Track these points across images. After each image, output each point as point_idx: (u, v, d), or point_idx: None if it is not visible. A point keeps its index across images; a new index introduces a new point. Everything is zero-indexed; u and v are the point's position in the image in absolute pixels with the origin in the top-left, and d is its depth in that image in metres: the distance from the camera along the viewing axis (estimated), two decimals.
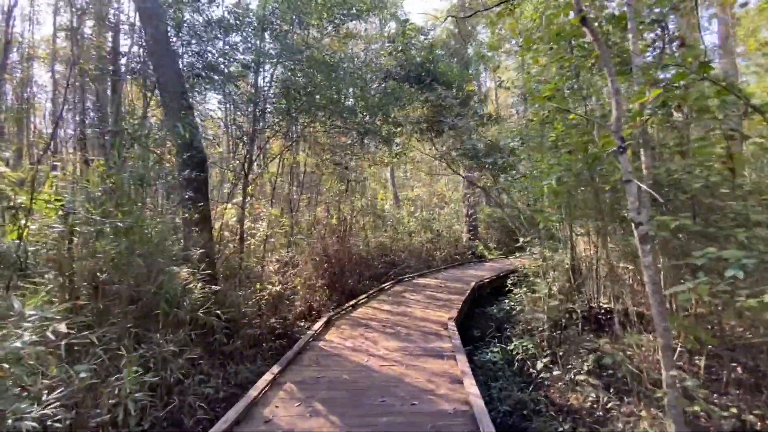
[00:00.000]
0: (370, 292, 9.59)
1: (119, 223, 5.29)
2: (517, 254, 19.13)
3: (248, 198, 8.94)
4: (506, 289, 11.44)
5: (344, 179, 11.06)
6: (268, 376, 4.50)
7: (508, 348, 6.75)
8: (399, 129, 10.99)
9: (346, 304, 8.30)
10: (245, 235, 8.91)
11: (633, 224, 3.20)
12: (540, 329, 7.51)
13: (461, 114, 9.50)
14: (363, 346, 5.71)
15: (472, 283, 10.68)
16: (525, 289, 9.98)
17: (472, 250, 18.63)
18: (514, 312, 9.65)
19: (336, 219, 11.50)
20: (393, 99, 8.37)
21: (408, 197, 18.98)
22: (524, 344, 6.56)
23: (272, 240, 9.24)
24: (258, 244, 9.52)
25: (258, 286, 7.65)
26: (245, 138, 7.63)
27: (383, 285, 10.58)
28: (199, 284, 6.34)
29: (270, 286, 8.09)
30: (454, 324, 6.61)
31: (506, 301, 10.24)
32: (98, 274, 5.02)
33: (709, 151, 4.15)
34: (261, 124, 8.20)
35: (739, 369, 4.54)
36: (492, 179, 9.92)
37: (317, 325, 6.63)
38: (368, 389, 4.28)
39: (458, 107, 9.50)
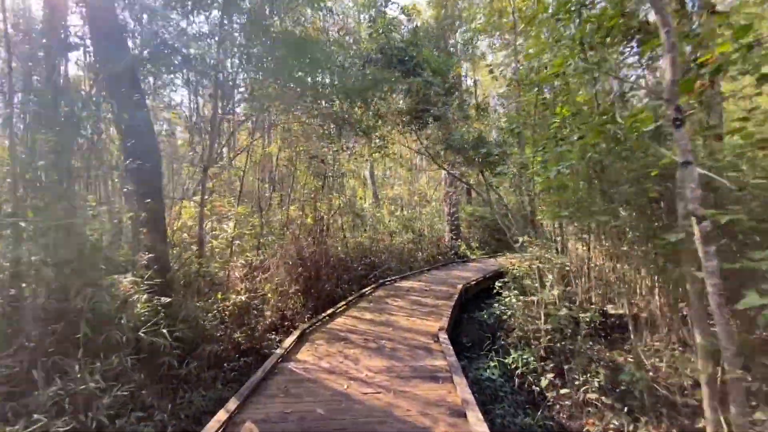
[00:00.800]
0: (350, 298, 8.71)
1: (39, 224, 4.24)
2: (506, 254, 18.62)
3: (209, 194, 7.90)
4: (495, 291, 10.81)
5: (321, 175, 10.12)
6: (222, 415, 3.56)
7: (506, 361, 6.01)
8: (380, 121, 10.14)
9: (323, 314, 7.39)
10: (207, 237, 7.86)
11: (695, 219, 2.46)
12: (538, 338, 6.83)
13: (446, 104, 8.75)
14: (342, 367, 4.82)
15: (459, 286, 9.95)
16: (515, 292, 9.34)
17: (454, 250, 17.99)
18: (505, 317, 8.99)
19: (311, 218, 10.55)
20: (373, 84, 7.51)
21: (388, 196, 18.17)
22: (524, 357, 5.83)
23: (238, 242, 8.21)
24: (223, 247, 8.47)
25: (219, 295, 6.64)
26: (204, 124, 6.60)
27: (364, 290, 9.71)
28: (145, 296, 5.32)
29: (235, 295, 7.09)
30: (446, 335, 5.81)
31: (495, 304, 9.56)
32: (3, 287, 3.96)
33: (750, 132, 3.49)
34: (225, 108, 7.18)
35: None
36: (480, 174, 9.19)
37: (288, 341, 5.69)
38: (348, 429, 3.41)
39: (443, 96, 8.74)
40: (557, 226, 9.92)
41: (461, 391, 3.95)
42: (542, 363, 5.61)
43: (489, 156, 8.25)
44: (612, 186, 3.77)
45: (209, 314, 6.29)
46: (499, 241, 21.70)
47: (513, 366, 5.81)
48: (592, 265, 7.75)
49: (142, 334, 4.60)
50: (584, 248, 8.83)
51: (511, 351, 6.60)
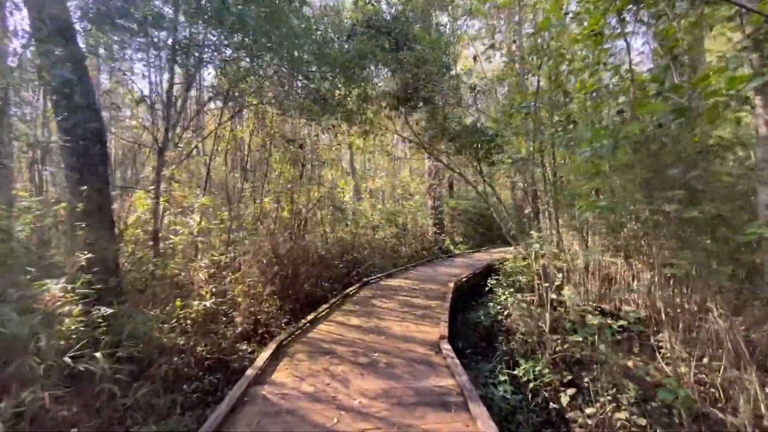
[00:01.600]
0: (332, 300, 7.80)
1: None
2: (489, 248, 18.01)
3: (167, 183, 6.81)
4: (487, 289, 10.14)
5: (298, 163, 9.11)
6: None
7: (516, 373, 5.26)
8: (364, 104, 9.21)
9: (303, 320, 6.47)
10: (165, 234, 6.78)
11: None
12: (543, 343, 6.13)
13: (440, 84, 7.91)
14: (329, 392, 3.94)
15: (451, 285, 9.20)
16: (511, 290, 8.67)
17: (438, 245, 17.31)
18: (501, 317, 8.30)
19: (288, 212, 9.53)
20: (358, 56, 6.57)
21: (369, 188, 17.27)
22: (536, 368, 5.11)
23: (201, 239, 7.16)
24: (186, 245, 7.39)
25: (178, 302, 5.60)
26: (157, 97, 5.51)
27: (347, 290, 8.81)
28: (79, 307, 4.26)
29: (199, 301, 6.06)
30: (449, 346, 5.00)
31: (490, 304, 8.88)
32: None
33: None
34: (188, 83, 6.08)
35: None
36: (476, 164, 8.42)
37: (262, 358, 4.75)
38: None
39: (437, 76, 7.90)
40: (553, 219, 9.32)
41: (483, 425, 3.14)
42: (557, 375, 4.89)
43: (489, 143, 7.48)
44: (672, 167, 3.06)
45: (165, 326, 5.25)
46: (482, 235, 21.23)
47: (524, 378, 5.08)
48: (601, 263, 7.11)
49: (70, 359, 3.57)
50: (582, 244, 8.24)
51: (520, 360, 5.89)
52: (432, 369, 4.44)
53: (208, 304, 5.84)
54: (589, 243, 8.24)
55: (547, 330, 6.35)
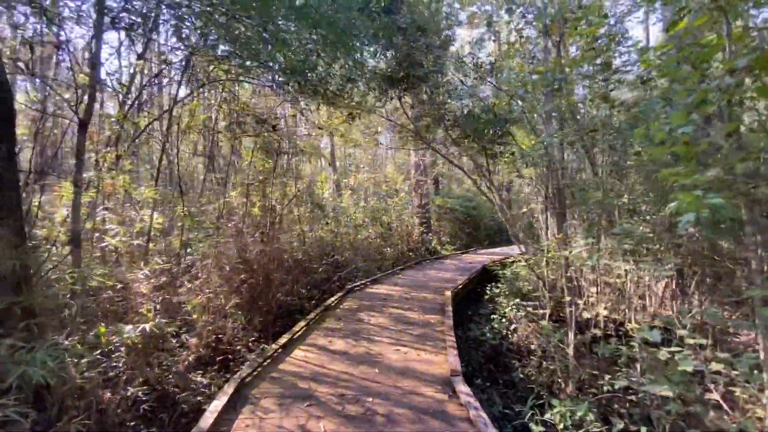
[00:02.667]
0: (311, 315, 6.51)
1: None
2: (489, 249, 17.00)
3: (108, 170, 5.38)
4: (487, 297, 9.07)
5: (272, 151, 7.75)
6: None
7: (548, 417, 4.13)
8: (350, 85, 7.95)
9: (274, 345, 5.16)
10: (88, 234, 5.34)
11: None
12: (566, 373, 5.07)
13: (441, 59, 6.74)
14: None
15: (447, 293, 8.06)
16: (516, 300, 7.62)
17: (425, 245, 16.21)
18: (507, 332, 7.22)
19: (259, 208, 8.16)
20: (345, 17, 5.31)
21: (352, 184, 15.96)
22: (575, 413, 3.98)
23: (139, 241, 5.75)
24: (127, 249, 5.95)
25: (102, 328, 4.21)
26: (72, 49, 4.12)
27: (328, 301, 7.54)
28: None
29: (134, 323, 4.67)
30: (466, 387, 3.81)
31: (493, 316, 7.79)
32: None
33: None
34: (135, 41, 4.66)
35: None
36: (483, 153, 7.28)
37: (214, 409, 3.44)
38: None
39: (438, 50, 6.72)
40: (551, 221, 8.32)
41: None
42: (607, 426, 3.78)
43: (500, 126, 6.34)
44: None
45: (83, 360, 3.86)
46: (469, 235, 20.27)
47: (561, 426, 3.95)
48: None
49: None
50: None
51: (543, 392, 4.79)
52: (447, 423, 3.24)
53: (148, 327, 4.46)
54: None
55: (571, 354, 5.30)
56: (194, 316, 5.95)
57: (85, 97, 4.30)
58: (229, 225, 7.76)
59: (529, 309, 6.90)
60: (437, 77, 7.40)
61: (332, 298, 7.65)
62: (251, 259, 7.55)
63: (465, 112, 7.60)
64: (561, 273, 6.75)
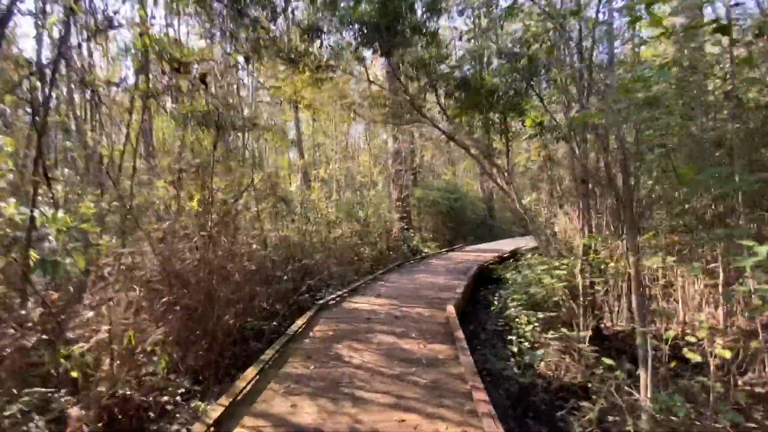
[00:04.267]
0: (266, 356, 4.50)
1: None
2: (474, 245, 15.35)
3: None
4: (494, 309, 7.37)
5: (214, 124, 5.67)
6: None
7: None
8: (315, 42, 6.05)
9: (207, 418, 3.16)
10: None
11: None
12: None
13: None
14: None
15: (449, 307, 6.29)
16: (539, 315, 5.95)
17: (406, 243, 14.43)
18: (534, 362, 5.52)
19: (198, 202, 6.06)
20: None
21: (323, 175, 13.91)
22: None
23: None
24: None
25: None
26: None
27: (295, 326, 5.56)
28: None
29: None
30: None
31: (512, 337, 6.09)
32: None
33: None
34: None
35: None
36: (501, 124, 5.51)
37: None
38: None
39: None
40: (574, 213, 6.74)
41: None
42: None
43: (527, 83, 4.59)
44: None
45: None
46: (452, 230, 18.67)
47: None
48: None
49: None
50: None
51: None
52: None
53: None
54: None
55: (647, 397, 3.65)
56: (86, 359, 3.87)
57: None
58: (153, 227, 5.63)
59: (563, 332, 5.22)
60: (432, 24, 5.56)
61: (299, 321, 5.70)
62: (184, 273, 5.47)
63: (469, 74, 5.81)
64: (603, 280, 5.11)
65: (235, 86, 6.89)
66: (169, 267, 5.08)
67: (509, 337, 5.95)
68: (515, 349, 5.71)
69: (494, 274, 8.69)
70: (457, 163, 24.58)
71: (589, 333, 4.99)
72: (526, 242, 15.13)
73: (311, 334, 5.30)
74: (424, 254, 14.03)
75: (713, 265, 4.56)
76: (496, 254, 12.18)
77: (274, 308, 7.71)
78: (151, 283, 5.24)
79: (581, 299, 5.46)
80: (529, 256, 9.29)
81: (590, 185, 6.00)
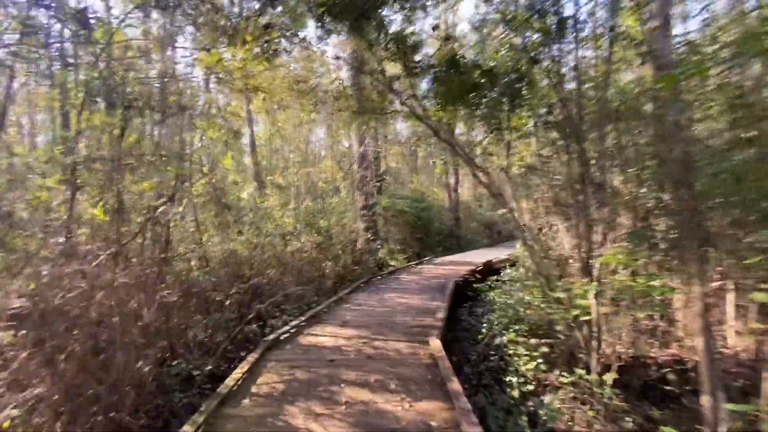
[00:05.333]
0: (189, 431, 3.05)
1: None
2: (442, 257, 14.30)
3: None
4: (482, 336, 6.22)
5: (110, 100, 4.17)
6: None
7: None
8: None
9: None
10: None
11: None
12: None
13: None
14: None
15: (434, 341, 5.06)
16: (542, 349, 4.87)
17: (373, 256, 13.14)
18: (545, 417, 4.38)
19: (102, 209, 4.47)
20: None
21: (280, 182, 12.41)
22: None
23: None
24: None
25: None
26: None
27: (231, 379, 4.10)
28: None
29: None
30: None
31: (513, 379, 4.95)
32: None
33: None
34: None
35: None
36: (507, 118, 4.41)
37: None
38: None
39: None
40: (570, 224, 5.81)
41: None
42: None
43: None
44: None
45: None
46: (420, 242, 17.59)
47: None
48: None
49: None
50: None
51: None
52: None
53: None
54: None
55: None
56: None
57: None
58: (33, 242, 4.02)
59: (593, 378, 4.14)
60: None
61: (238, 370, 4.24)
62: (70, 308, 3.89)
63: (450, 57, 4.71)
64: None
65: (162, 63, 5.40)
66: (38, 304, 3.51)
67: (507, 378, 4.81)
68: (516, 394, 4.58)
69: (471, 291, 7.62)
70: (421, 171, 23.75)
71: (614, 375, 3.94)
72: (496, 254, 14.34)
73: (253, 389, 3.88)
74: (392, 268, 12.81)
75: None
76: (470, 268, 11.19)
77: (214, 341, 6.23)
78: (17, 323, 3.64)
79: (595, 330, 4.44)
80: (509, 271, 8.37)
81: (592, 190, 5.07)
